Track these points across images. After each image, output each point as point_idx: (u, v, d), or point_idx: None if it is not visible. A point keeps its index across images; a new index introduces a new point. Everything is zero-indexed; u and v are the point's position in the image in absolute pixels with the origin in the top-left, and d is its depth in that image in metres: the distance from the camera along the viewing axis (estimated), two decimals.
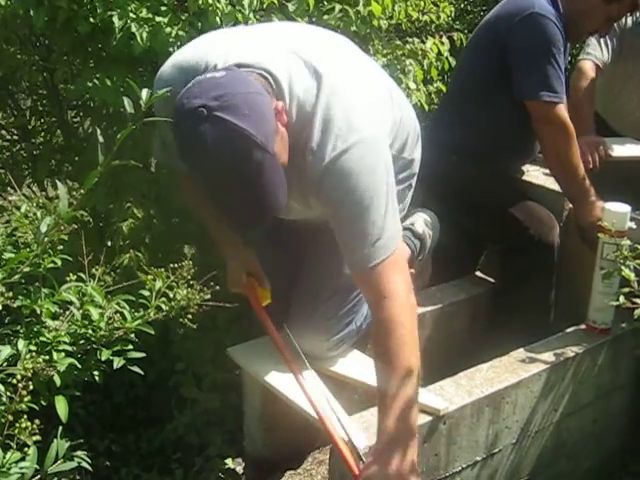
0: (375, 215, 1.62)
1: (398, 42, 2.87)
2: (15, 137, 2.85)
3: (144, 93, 1.25)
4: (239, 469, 2.35)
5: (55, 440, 1.28)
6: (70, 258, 1.42)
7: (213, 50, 1.67)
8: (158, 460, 2.44)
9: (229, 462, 2.35)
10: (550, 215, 2.48)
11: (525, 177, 2.73)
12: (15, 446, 1.19)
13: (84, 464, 1.32)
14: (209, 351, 2.39)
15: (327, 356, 2.12)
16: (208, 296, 1.46)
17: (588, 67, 3.01)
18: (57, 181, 1.20)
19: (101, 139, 1.23)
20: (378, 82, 1.90)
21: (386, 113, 1.84)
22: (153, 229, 2.42)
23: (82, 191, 1.22)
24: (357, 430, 1.77)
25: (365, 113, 1.70)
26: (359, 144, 1.62)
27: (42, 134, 2.84)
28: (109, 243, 2.34)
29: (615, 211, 2.18)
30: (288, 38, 1.79)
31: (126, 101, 1.27)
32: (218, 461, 2.37)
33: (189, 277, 1.44)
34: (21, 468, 1.18)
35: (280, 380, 2.01)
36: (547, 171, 2.69)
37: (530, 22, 2.39)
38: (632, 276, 2.04)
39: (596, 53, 3.05)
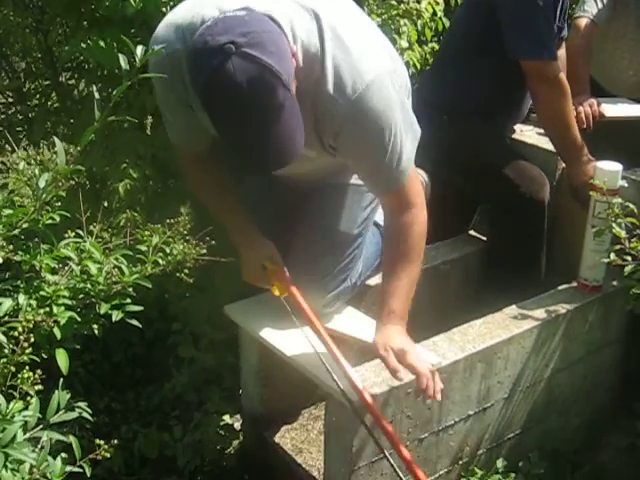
0: (397, 144, 1.77)
1: (393, 2, 2.86)
2: (10, 100, 2.86)
3: (139, 50, 1.26)
4: (237, 425, 2.40)
5: (56, 391, 1.31)
6: (68, 214, 1.44)
7: (205, 4, 1.66)
8: (157, 417, 2.48)
9: (227, 418, 2.40)
10: (541, 173, 2.50)
11: (518, 136, 2.74)
12: (18, 396, 1.23)
13: (85, 415, 1.34)
14: (205, 310, 2.42)
15: (323, 313, 2.15)
16: (204, 251, 1.49)
17: (584, 25, 3.00)
18: (54, 137, 1.21)
19: (97, 95, 1.24)
20: (373, 25, 1.92)
21: (386, 49, 1.86)
22: (149, 190, 2.44)
23: (79, 148, 1.23)
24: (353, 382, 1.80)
25: (371, 49, 1.74)
26: (374, 83, 1.68)
27: (37, 96, 2.85)
28: (105, 204, 2.36)
29: (607, 169, 2.20)
30: None
31: (121, 58, 1.28)
32: (216, 417, 2.41)
33: (185, 232, 1.47)
34: (24, 417, 1.22)
35: (277, 337, 2.04)
36: (540, 131, 2.70)
37: None
38: (622, 234, 2.07)
39: (592, 10, 3.03)
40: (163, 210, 2.39)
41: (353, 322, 2.16)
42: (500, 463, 2.18)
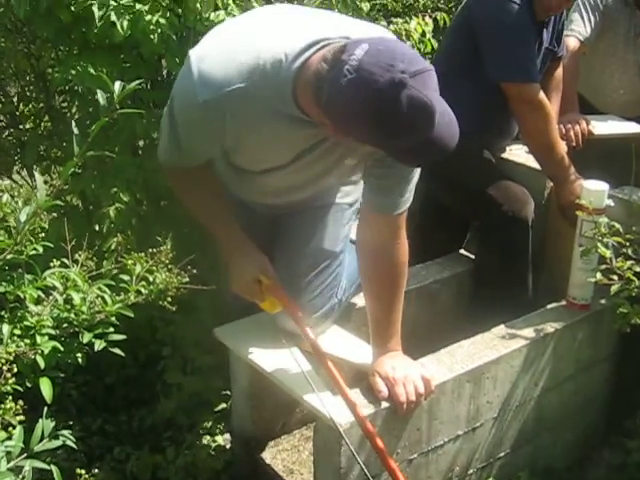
0: (414, 180, 1.88)
1: (383, 22, 2.89)
2: (3, 123, 2.88)
3: (117, 85, 1.28)
4: (228, 446, 2.41)
5: (40, 420, 1.33)
6: (52, 245, 1.46)
7: (272, 45, 1.64)
8: (150, 438, 2.49)
9: (219, 439, 2.41)
10: (524, 191, 2.51)
11: (507, 155, 2.75)
12: (0, 426, 1.24)
13: (69, 442, 1.36)
14: (192, 335, 2.43)
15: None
16: (186, 279, 1.50)
17: (572, 44, 3.02)
18: (35, 172, 1.23)
19: (76, 131, 1.26)
20: None
21: None
22: (140, 213, 2.46)
23: (59, 181, 1.25)
24: (339, 407, 1.81)
25: None
26: None
27: (30, 120, 2.87)
28: (97, 227, 2.38)
29: (593, 189, 2.21)
30: (289, 14, 1.81)
31: (99, 94, 1.30)
32: (208, 438, 2.42)
33: (167, 261, 1.48)
34: (7, 447, 1.23)
35: (266, 359, 2.05)
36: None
37: (488, 2, 2.44)
38: (608, 253, 2.09)
39: (580, 29, 3.06)
40: (154, 233, 2.41)
41: (343, 344, 2.17)
42: None
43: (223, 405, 2.52)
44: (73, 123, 1.31)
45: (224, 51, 1.66)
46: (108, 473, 2.33)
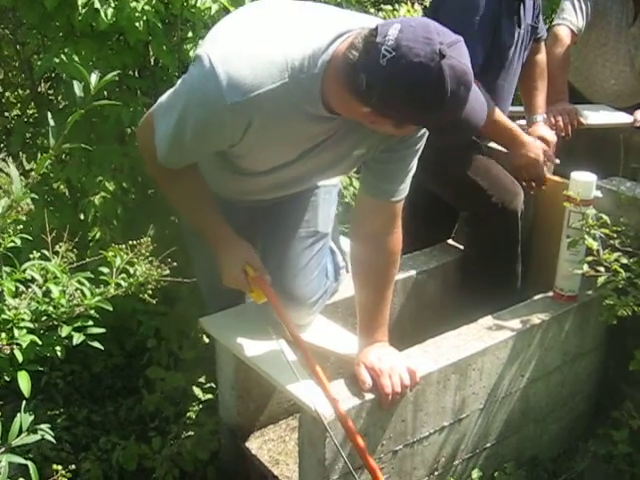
0: (413, 168, 1.90)
1: (372, 10, 2.87)
2: None
3: (93, 77, 1.26)
4: (215, 436, 2.40)
5: (19, 414, 1.32)
6: (30, 238, 1.44)
7: (298, 42, 1.62)
8: (136, 428, 2.49)
9: (205, 430, 2.40)
10: (514, 182, 2.51)
11: (494, 144, 2.74)
12: None
13: (47, 437, 1.35)
14: (175, 328, 2.43)
15: (307, 321, 2.16)
16: (167, 272, 1.49)
17: (563, 33, 3.00)
18: (8, 163, 1.21)
19: (52, 122, 1.24)
20: None
21: None
22: (127, 202, 2.44)
23: (35, 174, 1.23)
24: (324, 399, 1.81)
25: None
26: None
27: (16, 107, 2.84)
28: (82, 216, 2.36)
29: (580, 180, 2.20)
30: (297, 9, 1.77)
31: (76, 84, 1.28)
32: (195, 429, 2.42)
33: (147, 254, 1.47)
34: None
35: (251, 349, 2.05)
36: None
37: None
38: (595, 245, 2.08)
39: (571, 18, 3.04)
40: (140, 222, 2.40)
41: (330, 335, 2.17)
42: (475, 474, 2.19)
43: (210, 396, 2.52)
44: (49, 114, 1.29)
45: (250, 51, 1.61)
46: (94, 463, 2.32)
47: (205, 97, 1.62)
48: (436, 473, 2.13)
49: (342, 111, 1.64)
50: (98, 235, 2.24)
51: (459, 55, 1.48)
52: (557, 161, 2.63)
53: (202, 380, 2.53)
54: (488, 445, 2.23)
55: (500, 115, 2.48)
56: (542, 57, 2.77)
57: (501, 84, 2.54)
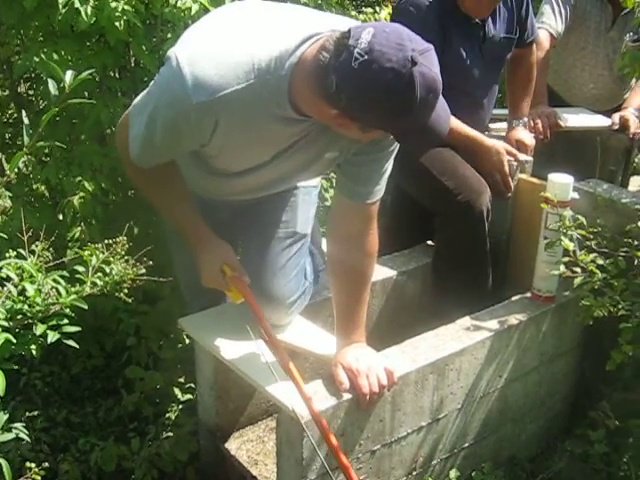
0: (388, 170, 1.90)
1: (353, 12, 2.89)
2: None
3: (68, 75, 1.26)
4: (194, 437, 2.40)
5: None
6: (6, 236, 1.44)
7: (265, 43, 1.62)
8: (115, 429, 2.48)
9: (184, 431, 2.40)
10: (480, 180, 2.52)
11: None
12: None
13: (22, 435, 1.34)
14: (157, 325, 2.43)
15: (285, 321, 2.17)
16: (143, 271, 1.49)
17: (542, 37, 3.03)
18: None
19: (26, 121, 1.25)
20: None
21: None
22: (107, 202, 2.44)
23: (9, 172, 1.23)
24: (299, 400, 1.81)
25: None
26: None
27: None
28: (60, 217, 2.35)
29: (558, 182, 2.22)
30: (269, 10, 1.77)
31: (50, 83, 1.28)
32: (174, 429, 2.42)
33: (123, 253, 1.47)
34: None
35: (230, 350, 2.05)
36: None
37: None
38: (571, 246, 2.10)
39: (550, 22, 3.07)
40: (121, 222, 2.39)
41: (308, 335, 2.18)
42: (453, 474, 2.20)
43: (189, 396, 2.52)
44: (23, 113, 1.29)
45: (216, 51, 1.61)
46: (72, 464, 2.32)
47: (172, 97, 1.62)
48: (414, 473, 2.14)
49: (310, 113, 1.65)
50: (77, 235, 2.23)
51: (430, 63, 1.49)
52: (528, 158, 2.64)
53: (182, 380, 2.53)
54: (466, 445, 2.24)
55: (459, 125, 2.50)
56: (530, 61, 2.79)
57: (465, 97, 2.57)
